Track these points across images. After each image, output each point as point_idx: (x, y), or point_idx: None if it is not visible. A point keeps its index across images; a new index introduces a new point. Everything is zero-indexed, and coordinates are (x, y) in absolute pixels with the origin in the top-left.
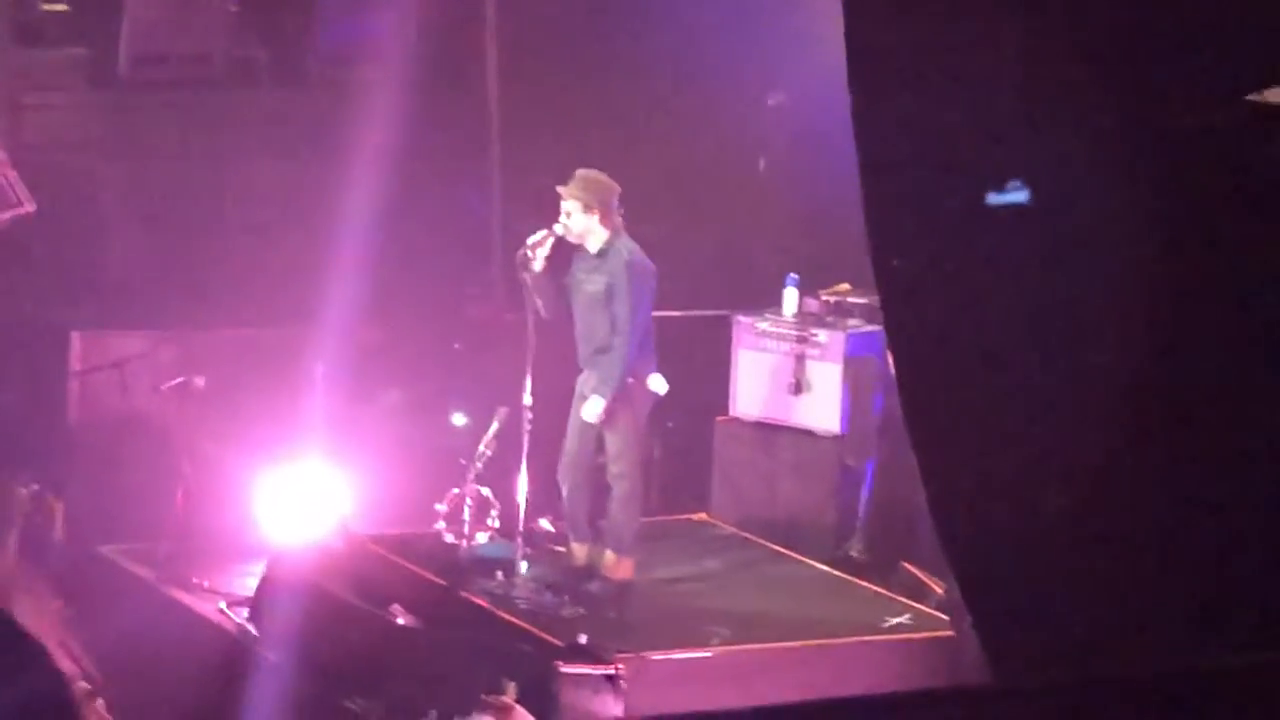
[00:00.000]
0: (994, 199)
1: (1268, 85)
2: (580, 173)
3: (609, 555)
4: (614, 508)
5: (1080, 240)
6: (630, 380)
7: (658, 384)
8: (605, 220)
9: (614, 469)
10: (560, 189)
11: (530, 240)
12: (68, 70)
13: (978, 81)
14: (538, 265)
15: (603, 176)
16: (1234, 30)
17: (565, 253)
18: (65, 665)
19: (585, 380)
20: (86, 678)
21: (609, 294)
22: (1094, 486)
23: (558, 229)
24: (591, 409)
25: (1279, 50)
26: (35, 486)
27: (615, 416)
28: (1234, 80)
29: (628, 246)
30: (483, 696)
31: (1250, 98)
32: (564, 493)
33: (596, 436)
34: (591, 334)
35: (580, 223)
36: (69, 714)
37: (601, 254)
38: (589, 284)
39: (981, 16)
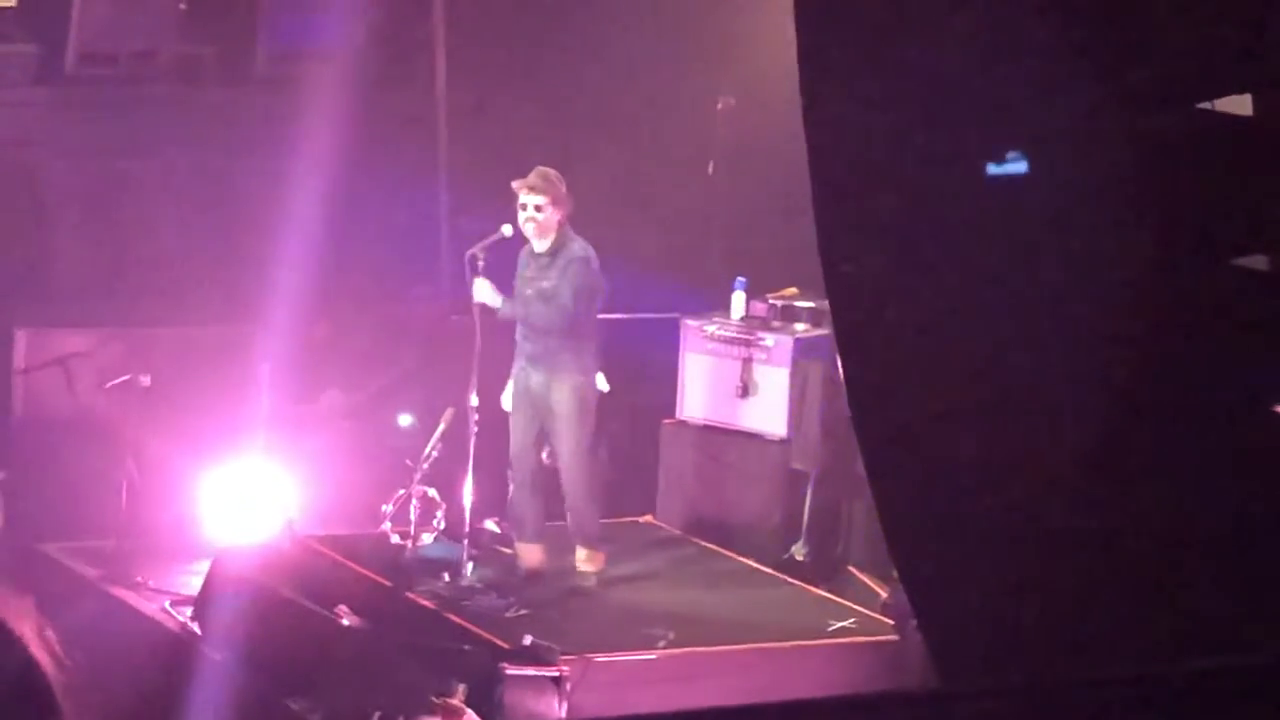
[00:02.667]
0: (942, 202)
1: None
2: (543, 170)
3: (580, 551)
4: (575, 507)
5: (1029, 242)
6: (583, 378)
7: (600, 382)
8: (566, 217)
9: (568, 474)
10: (518, 184)
11: (483, 244)
12: (15, 67)
13: (928, 85)
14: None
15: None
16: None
17: (513, 255)
18: (43, 657)
19: (528, 375)
20: (63, 670)
21: (565, 292)
22: (1041, 490)
23: (507, 230)
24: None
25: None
26: None
27: (572, 417)
28: (1184, 83)
29: (580, 244)
30: (432, 699)
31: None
32: (510, 491)
33: (539, 433)
34: (539, 331)
35: (549, 216)
36: (47, 705)
37: (554, 251)
38: (543, 280)
39: (932, 22)
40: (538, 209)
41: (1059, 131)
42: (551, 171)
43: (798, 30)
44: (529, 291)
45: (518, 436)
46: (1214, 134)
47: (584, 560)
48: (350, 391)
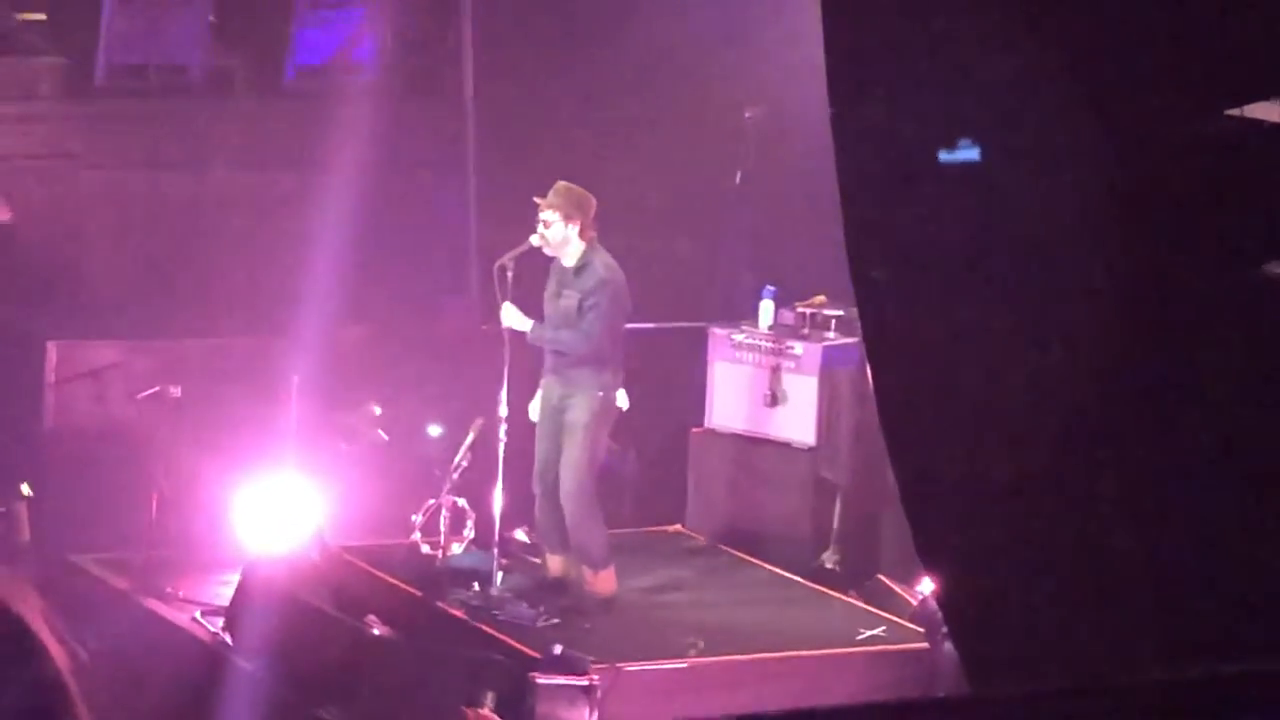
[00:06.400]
0: (972, 210)
1: (1246, 100)
2: (559, 184)
3: (586, 572)
4: (570, 528)
5: (1059, 248)
6: (600, 394)
7: (621, 399)
8: (584, 232)
9: (566, 487)
10: (538, 200)
11: (508, 255)
12: (45, 80)
13: (957, 94)
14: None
15: (580, 189)
16: (1216, 45)
17: (542, 265)
18: (52, 644)
19: (551, 387)
20: (73, 657)
21: (584, 308)
22: (1074, 497)
23: (534, 240)
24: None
25: (1257, 66)
26: None
27: (581, 432)
28: (1214, 94)
29: (604, 262)
30: (463, 708)
31: (1230, 112)
32: (536, 502)
33: (560, 447)
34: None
35: (559, 233)
36: (59, 691)
37: (578, 270)
38: (564, 298)
39: (962, 30)
40: (545, 224)
41: (1093, 141)
42: (568, 187)
43: (825, 37)
44: (554, 305)
45: (541, 449)
46: (1244, 139)
47: (590, 582)
48: (380, 402)
